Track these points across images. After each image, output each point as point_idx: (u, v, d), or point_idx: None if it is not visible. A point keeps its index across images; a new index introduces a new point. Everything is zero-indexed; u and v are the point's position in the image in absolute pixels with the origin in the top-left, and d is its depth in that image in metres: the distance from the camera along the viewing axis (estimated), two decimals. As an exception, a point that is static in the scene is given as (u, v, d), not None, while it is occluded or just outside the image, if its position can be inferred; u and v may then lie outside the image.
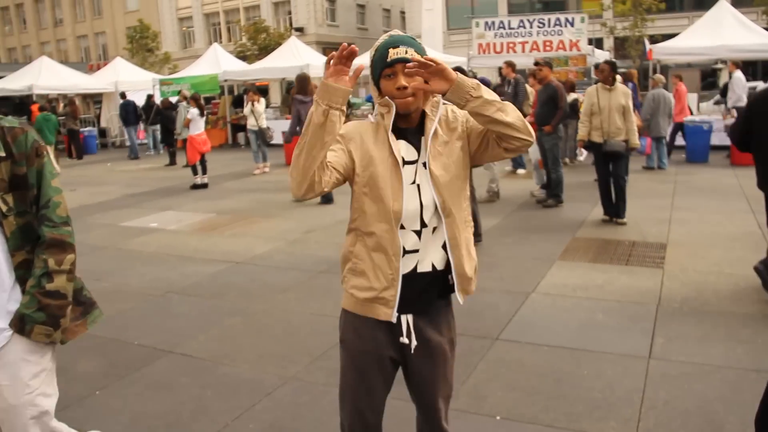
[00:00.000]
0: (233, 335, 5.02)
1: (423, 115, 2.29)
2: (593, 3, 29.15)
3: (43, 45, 52.94)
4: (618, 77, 8.33)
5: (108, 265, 7.21)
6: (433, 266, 2.29)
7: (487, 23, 18.39)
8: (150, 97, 20.74)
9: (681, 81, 14.34)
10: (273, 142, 15.07)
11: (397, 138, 2.27)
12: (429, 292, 2.33)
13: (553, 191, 9.37)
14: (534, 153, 9.65)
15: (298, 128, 10.47)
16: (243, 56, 31.33)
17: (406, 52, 2.15)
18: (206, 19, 46.61)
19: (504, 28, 18.14)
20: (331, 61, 2.05)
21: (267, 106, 18.89)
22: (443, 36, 28.53)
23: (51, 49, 50.79)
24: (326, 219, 9.08)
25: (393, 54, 2.15)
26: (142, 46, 35.85)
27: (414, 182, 2.25)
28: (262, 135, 14.28)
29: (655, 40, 19.83)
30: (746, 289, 5.44)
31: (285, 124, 18.36)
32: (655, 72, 16.01)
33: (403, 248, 2.25)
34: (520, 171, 12.57)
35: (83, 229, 9.26)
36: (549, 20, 17.69)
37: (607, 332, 4.69)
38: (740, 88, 14.14)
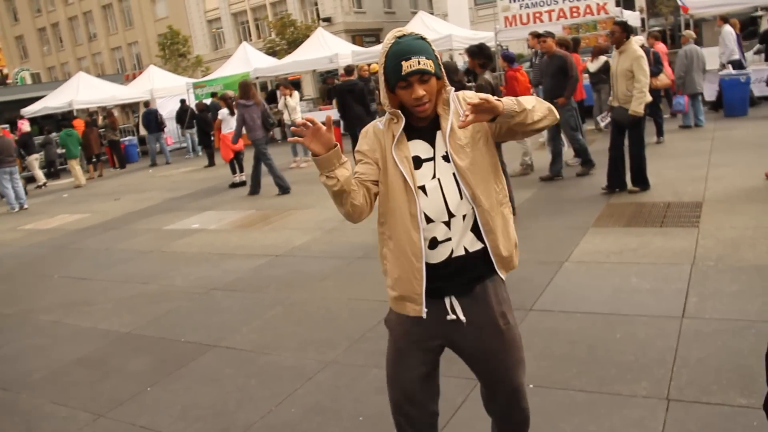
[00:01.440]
0: (275, 325, 5.18)
1: (435, 110, 2.37)
2: (620, -37, 28.50)
3: (80, 60, 54.28)
4: (639, 38, 8.15)
5: (154, 269, 7.47)
6: (466, 249, 2.37)
7: (511, -5, 18.14)
8: (183, 102, 21.19)
9: (657, 41, 13.24)
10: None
11: (410, 138, 2.37)
12: (468, 274, 2.39)
13: (582, 159, 9.29)
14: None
15: (251, 134, 11.36)
16: (273, 52, 31.62)
17: (419, 63, 2.21)
18: (234, 18, 47.06)
19: (529, -2, 17.87)
20: (305, 135, 2.21)
21: (300, 99, 19.08)
22: (470, 12, 28.32)
23: (88, 64, 52.05)
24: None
25: (407, 67, 2.21)
26: (173, 51, 36.50)
27: (434, 177, 2.33)
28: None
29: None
30: (784, 241, 5.36)
31: (321, 116, 18.66)
32: (687, 27, 15.65)
33: (436, 239, 2.34)
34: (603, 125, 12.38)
35: (129, 235, 9.59)
36: (574, -14, 17.35)
37: (641, 295, 4.70)
38: (731, 41, 13.82)
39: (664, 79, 11.02)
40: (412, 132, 2.37)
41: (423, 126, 2.36)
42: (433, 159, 2.35)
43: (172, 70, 31.06)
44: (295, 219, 8.96)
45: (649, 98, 7.53)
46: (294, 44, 31.18)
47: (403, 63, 2.21)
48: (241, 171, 13.08)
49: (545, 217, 7.23)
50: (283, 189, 11.18)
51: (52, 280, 7.72)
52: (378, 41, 35.20)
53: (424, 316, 2.38)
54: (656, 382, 3.47)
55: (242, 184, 12.95)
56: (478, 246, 2.39)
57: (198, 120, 17.53)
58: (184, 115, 20.90)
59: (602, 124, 9.44)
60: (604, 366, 3.73)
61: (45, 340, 5.65)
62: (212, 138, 16.54)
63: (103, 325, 5.78)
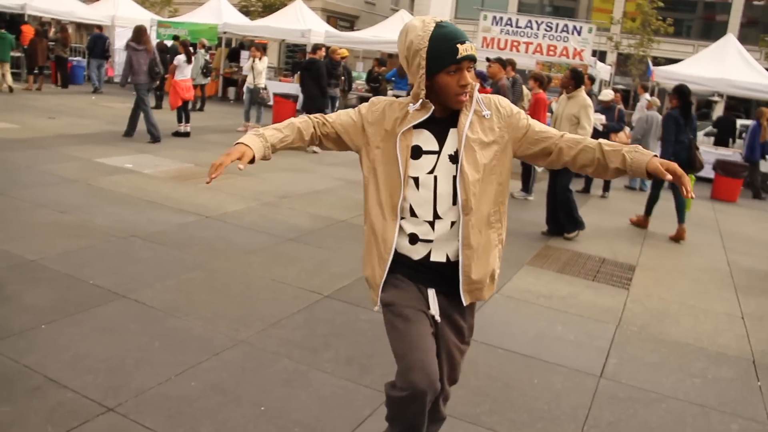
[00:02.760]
0: (190, 289, 4.93)
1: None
2: (603, 15, 29.12)
3: (45, -35, 51.69)
4: (608, 92, 8.20)
5: (75, 200, 7.06)
6: (448, 258, 2.31)
7: (495, 18, 18.26)
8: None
9: (542, 89, 10.57)
10: (270, 104, 14.91)
11: (417, 126, 2.28)
12: (447, 280, 2.35)
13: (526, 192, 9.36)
14: None
15: (135, 77, 11.66)
16: (246, 11, 30.80)
17: (473, 49, 2.18)
18: (215, -33, 45.73)
19: (511, 25, 18.03)
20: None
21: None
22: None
23: (53, -29, 49.62)
24: (303, 187, 8.99)
25: (463, 51, 2.14)
26: (145, -17, 35.10)
27: (431, 172, 2.25)
28: (256, 94, 14.06)
29: (658, 62, 19.90)
30: (705, 324, 5.47)
31: (281, 87, 18.28)
32: (652, 93, 16.07)
33: (416, 236, 2.29)
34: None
35: (56, 159, 9.08)
36: (557, 25, 17.61)
37: (564, 345, 4.68)
38: (641, 110, 14.44)
39: (623, 137, 11.22)
40: (425, 120, 2.28)
41: (438, 117, 2.26)
42: (437, 153, 2.26)
43: (139, 2, 29.87)
44: (232, 183, 8.66)
45: None
46: (269, 9, 30.50)
47: (460, 46, 2.12)
48: (187, 121, 12.63)
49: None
50: (154, 137, 11.55)
51: (-38, 185, 7.21)
52: (352, 28, 34.84)
53: (376, 309, 2.40)
54: (565, 438, 3.43)
55: (186, 134, 12.52)
56: (457, 258, 2.32)
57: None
58: None
59: (539, 169, 9.44)
60: (517, 409, 3.67)
61: (-60, 248, 5.23)
62: (164, 81, 15.95)
63: (7, 246, 5.38)
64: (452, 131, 2.27)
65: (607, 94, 11.68)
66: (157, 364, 3.73)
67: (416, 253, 2.31)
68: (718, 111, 22.52)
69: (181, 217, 6.80)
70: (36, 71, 18.20)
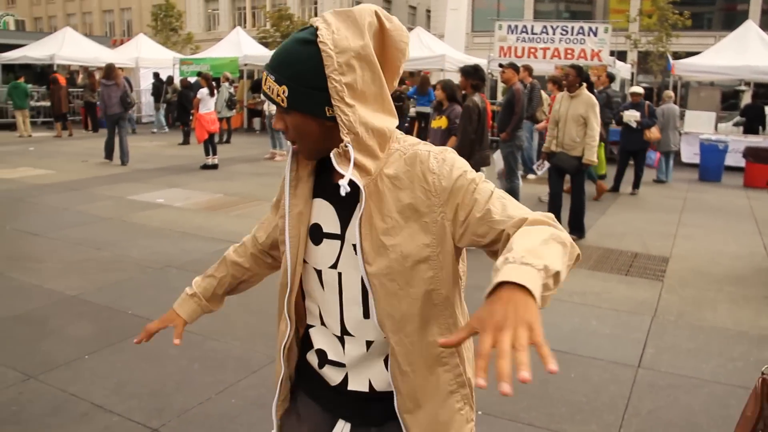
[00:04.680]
0: (226, 312, 4.97)
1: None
2: (620, 16, 29.01)
3: (69, 16, 53.25)
4: (636, 88, 8.12)
5: (110, 236, 7.26)
6: (371, 386, 1.59)
7: (510, 26, 18.31)
8: (156, 75, 21.02)
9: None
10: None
11: (317, 193, 1.55)
12: (372, 412, 1.62)
13: None
14: (498, 162, 9.00)
15: (108, 109, 13.12)
16: (265, 42, 31.35)
17: (269, 87, 1.47)
18: (232, 2, 46.67)
19: (527, 32, 18.06)
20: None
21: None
22: (466, 37, 28.45)
23: (76, 21, 51.06)
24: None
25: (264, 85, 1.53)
26: (166, 24, 36.01)
27: (335, 266, 1.53)
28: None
29: (678, 56, 19.74)
30: (744, 308, 5.40)
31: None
32: (675, 88, 15.95)
33: (324, 354, 1.62)
34: (531, 176, 12.53)
35: (90, 199, 9.34)
36: (572, 28, 17.59)
37: (599, 339, 4.67)
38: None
39: (656, 132, 11.13)
40: (324, 184, 1.53)
41: (341, 180, 1.40)
42: (340, 239, 1.50)
43: (161, 42, 30.61)
44: (262, 209, 8.79)
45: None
46: (287, 38, 31.00)
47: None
48: (215, 153, 12.87)
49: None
50: (123, 162, 12.95)
51: (2, 231, 7.45)
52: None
53: None
54: (605, 427, 3.42)
55: (214, 167, 12.74)
56: (386, 386, 1.57)
57: (180, 96, 17.29)
58: (156, 89, 20.73)
59: (539, 173, 9.21)
60: (555, 403, 3.67)
61: (-15, 291, 5.42)
62: (191, 116, 16.30)
63: (50, 284, 5.57)
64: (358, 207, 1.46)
65: (637, 88, 11.63)
66: (198, 384, 3.82)
67: (330, 377, 1.63)
68: (746, 99, 22.18)
69: (213, 246, 6.94)
70: (61, 119, 18.80)
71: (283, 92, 1.40)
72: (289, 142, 1.51)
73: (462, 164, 1.46)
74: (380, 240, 1.42)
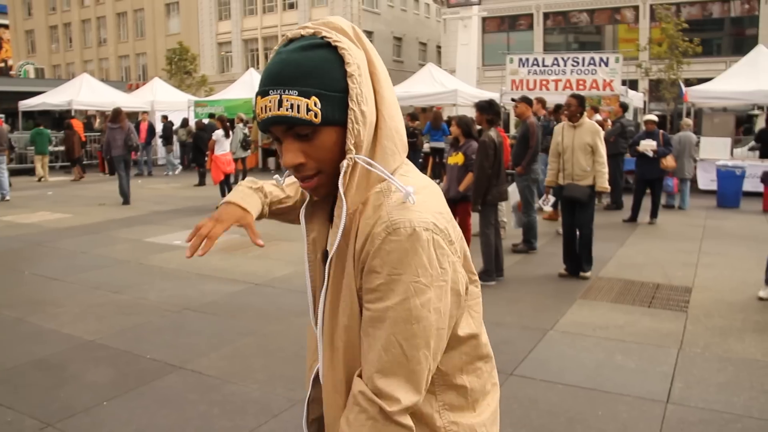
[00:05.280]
0: (245, 355, 4.98)
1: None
2: (629, 45, 29.11)
3: (86, 63, 54.32)
4: (650, 116, 8.01)
5: (128, 279, 7.26)
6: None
7: (521, 60, 18.41)
8: (165, 118, 21.30)
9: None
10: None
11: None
12: None
13: (524, 236, 8.74)
14: (513, 195, 8.86)
15: (112, 150, 13.85)
16: (278, 82, 31.76)
17: (279, 102, 1.26)
18: (245, 44, 47.42)
19: (538, 65, 18.15)
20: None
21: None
22: (477, 72, 28.65)
23: (93, 68, 52.06)
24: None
25: (260, 111, 1.31)
26: (180, 68, 36.57)
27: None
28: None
29: (690, 83, 19.71)
30: (772, 338, 5.27)
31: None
32: (688, 115, 15.91)
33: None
34: (547, 208, 12.45)
35: (108, 242, 9.38)
36: (583, 59, 17.65)
37: (625, 374, 4.57)
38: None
39: (671, 160, 11.06)
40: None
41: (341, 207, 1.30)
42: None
43: (176, 85, 31.07)
44: (279, 249, 8.79)
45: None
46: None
47: (258, 100, 1.29)
48: (231, 194, 12.92)
49: (533, 282, 7.10)
50: (124, 200, 13.56)
51: (21, 275, 7.48)
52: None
53: None
54: (636, 467, 3.32)
55: (230, 206, 12.78)
56: None
57: (195, 138, 17.49)
58: (166, 131, 20.98)
59: (546, 207, 9.06)
60: (583, 443, 3.57)
61: (3, 336, 5.41)
62: (206, 158, 16.45)
63: (68, 329, 5.55)
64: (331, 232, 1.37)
65: (652, 116, 11.61)
66: (217, 430, 3.76)
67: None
68: (760, 123, 22.06)
69: (231, 287, 6.91)
70: (75, 162, 19.10)
71: (315, 104, 1.23)
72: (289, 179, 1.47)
73: (398, 270, 1.23)
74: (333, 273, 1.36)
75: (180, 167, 21.38)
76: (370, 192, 1.31)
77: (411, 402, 1.24)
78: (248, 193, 1.63)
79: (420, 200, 1.27)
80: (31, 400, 4.17)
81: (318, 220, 1.47)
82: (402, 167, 1.37)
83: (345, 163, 1.26)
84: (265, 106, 1.26)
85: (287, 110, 1.23)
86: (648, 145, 10.73)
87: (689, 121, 13.36)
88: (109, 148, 14.02)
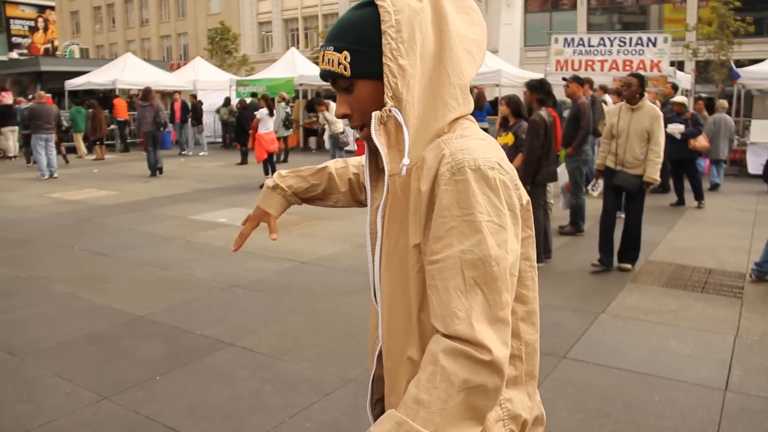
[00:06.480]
0: (295, 333, 5.00)
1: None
2: (675, 24, 28.37)
3: (128, 43, 54.96)
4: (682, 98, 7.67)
5: (175, 256, 7.34)
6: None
7: (566, 40, 18.06)
8: (194, 98, 21.38)
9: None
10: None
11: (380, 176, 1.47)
12: None
13: (572, 218, 8.58)
14: (563, 176, 8.62)
15: (142, 127, 15.19)
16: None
17: (326, 59, 1.38)
18: (285, 24, 47.47)
19: (583, 45, 17.78)
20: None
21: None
22: (520, 52, 28.22)
23: (136, 47, 52.62)
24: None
25: (321, 62, 1.45)
26: (221, 47, 36.76)
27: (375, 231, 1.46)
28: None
29: (740, 64, 19.16)
30: (834, 327, 5.11)
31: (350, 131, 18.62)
32: (738, 98, 15.48)
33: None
34: (596, 195, 12.19)
35: (154, 219, 9.49)
36: (630, 39, 17.24)
37: (681, 360, 4.46)
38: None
39: (703, 140, 10.83)
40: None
41: (401, 163, 1.31)
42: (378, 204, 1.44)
43: (217, 65, 31.24)
44: (324, 228, 8.80)
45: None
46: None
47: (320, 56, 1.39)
48: (274, 172, 12.96)
49: (582, 265, 6.98)
50: (152, 172, 14.66)
51: (71, 251, 7.61)
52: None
53: (370, 419, 1.57)
54: (697, 456, 3.24)
55: (273, 186, 12.84)
56: None
57: (238, 117, 17.58)
58: (197, 111, 20.99)
59: (594, 194, 8.81)
60: (641, 428, 3.50)
61: (57, 310, 5.51)
62: (248, 137, 16.52)
63: (118, 304, 5.64)
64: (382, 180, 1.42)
65: (681, 98, 11.42)
66: (270, 407, 3.77)
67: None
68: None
69: (278, 265, 6.94)
70: (98, 141, 19.29)
71: (345, 58, 1.32)
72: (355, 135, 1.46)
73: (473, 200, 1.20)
74: (388, 217, 1.39)
75: (206, 150, 21.36)
76: (433, 143, 1.31)
77: (501, 354, 1.16)
78: (266, 193, 1.79)
79: (481, 146, 1.28)
80: (87, 374, 4.24)
81: (382, 189, 1.42)
82: (463, 122, 1.36)
83: (375, 114, 1.30)
84: (320, 61, 1.39)
85: (326, 64, 1.35)
86: (675, 128, 10.61)
87: (725, 103, 13.29)
88: (140, 125, 15.32)
